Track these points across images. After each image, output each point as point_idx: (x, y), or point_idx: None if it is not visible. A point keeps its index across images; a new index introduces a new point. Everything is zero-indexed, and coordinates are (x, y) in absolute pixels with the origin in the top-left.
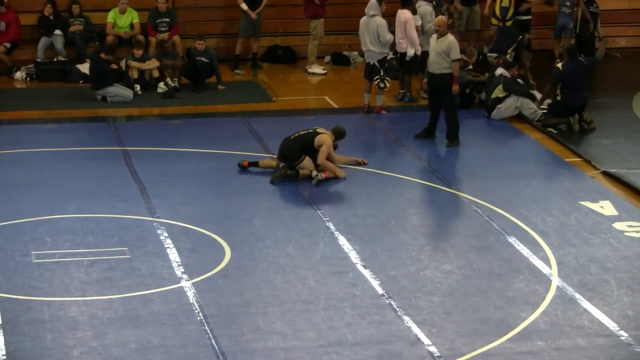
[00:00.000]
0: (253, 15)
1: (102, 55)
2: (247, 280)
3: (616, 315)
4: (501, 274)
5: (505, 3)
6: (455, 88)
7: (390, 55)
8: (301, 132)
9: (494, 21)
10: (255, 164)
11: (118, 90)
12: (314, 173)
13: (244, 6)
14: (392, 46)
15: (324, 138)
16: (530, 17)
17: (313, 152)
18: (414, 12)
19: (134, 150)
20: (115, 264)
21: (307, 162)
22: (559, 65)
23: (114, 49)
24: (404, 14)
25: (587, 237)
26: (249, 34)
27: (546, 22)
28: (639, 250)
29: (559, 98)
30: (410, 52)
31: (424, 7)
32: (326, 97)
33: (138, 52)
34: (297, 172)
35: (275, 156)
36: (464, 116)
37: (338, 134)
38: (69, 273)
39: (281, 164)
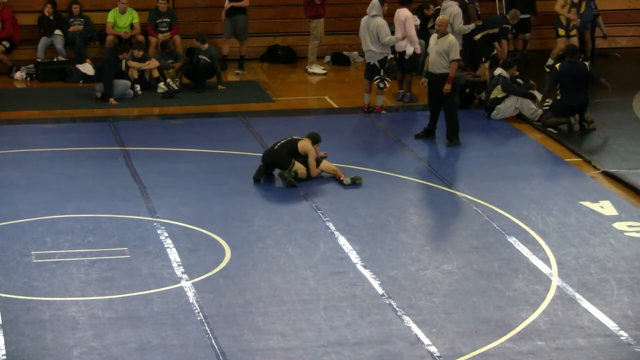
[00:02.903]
0: (222, 15)
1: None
2: (247, 280)
3: (616, 315)
4: (501, 274)
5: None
6: (447, 87)
7: (391, 55)
8: (281, 142)
9: (560, 31)
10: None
11: (115, 83)
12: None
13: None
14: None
15: (307, 145)
16: (529, 16)
17: (299, 157)
18: (413, 11)
19: (134, 150)
20: (115, 264)
21: (298, 165)
22: (557, 65)
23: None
24: (403, 13)
25: (587, 237)
26: (229, 33)
27: (547, 22)
28: (639, 250)
29: (559, 97)
30: (409, 50)
31: (454, 7)
32: (326, 97)
33: (138, 53)
34: (296, 173)
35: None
36: (464, 116)
37: (314, 138)
38: (69, 273)
39: (279, 171)
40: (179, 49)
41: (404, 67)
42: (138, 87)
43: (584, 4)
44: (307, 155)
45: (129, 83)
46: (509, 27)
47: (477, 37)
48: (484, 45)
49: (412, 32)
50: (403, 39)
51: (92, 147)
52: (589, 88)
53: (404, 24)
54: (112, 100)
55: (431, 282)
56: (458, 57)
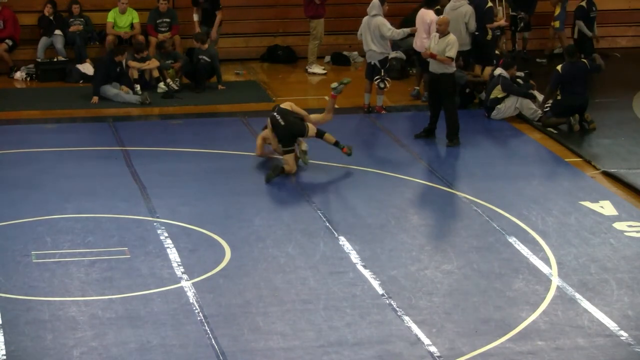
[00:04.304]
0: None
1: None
2: (247, 280)
3: (616, 315)
4: (501, 274)
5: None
6: (425, 53)
7: (392, 55)
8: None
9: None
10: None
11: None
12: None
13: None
14: (409, 45)
15: (293, 104)
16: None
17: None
18: (412, 10)
19: (134, 150)
20: (115, 264)
21: (267, 132)
22: (558, 67)
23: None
24: (428, 15)
25: (587, 237)
26: None
27: (548, 22)
28: (639, 250)
29: (559, 97)
30: None
31: (467, 7)
32: (326, 97)
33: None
34: (283, 168)
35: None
36: (464, 116)
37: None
38: (69, 273)
39: (270, 172)
40: (178, 49)
41: (424, 66)
42: (138, 87)
43: None
44: (301, 116)
45: (123, 90)
46: (491, 6)
47: (489, 36)
48: (493, 44)
49: None
50: (413, 33)
51: (92, 147)
52: (589, 88)
53: (429, 26)
54: (94, 98)
55: (431, 282)
56: (453, 55)
